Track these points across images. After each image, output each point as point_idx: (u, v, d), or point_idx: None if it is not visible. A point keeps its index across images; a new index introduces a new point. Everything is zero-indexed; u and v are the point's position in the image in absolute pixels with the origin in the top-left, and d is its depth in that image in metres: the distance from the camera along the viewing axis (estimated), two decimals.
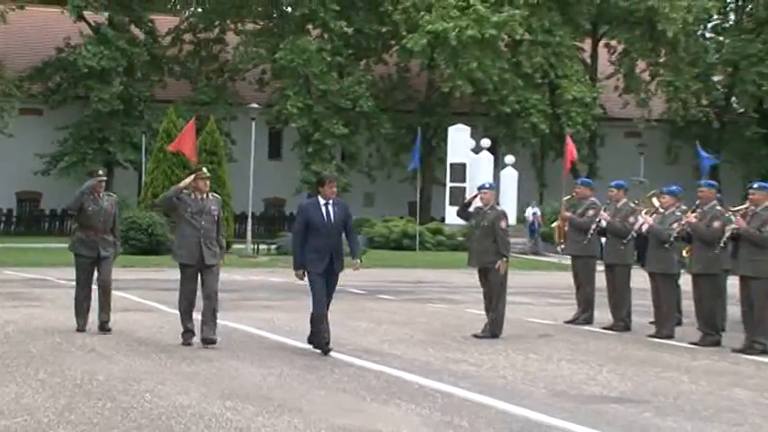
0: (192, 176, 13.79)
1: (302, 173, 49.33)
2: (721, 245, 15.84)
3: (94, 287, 15.21)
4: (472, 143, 45.81)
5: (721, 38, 58.49)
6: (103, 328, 14.79)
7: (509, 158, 44.97)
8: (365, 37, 51.67)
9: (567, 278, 19.83)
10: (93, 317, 15.21)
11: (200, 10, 53.81)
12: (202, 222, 13.53)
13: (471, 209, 16.99)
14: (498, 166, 43.22)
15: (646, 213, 17.69)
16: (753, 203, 15.74)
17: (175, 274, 15.26)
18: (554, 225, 21.10)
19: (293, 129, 50.32)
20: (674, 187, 18.00)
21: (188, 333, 13.91)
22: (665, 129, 57.17)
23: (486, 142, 45.67)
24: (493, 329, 15.94)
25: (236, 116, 49.08)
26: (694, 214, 16.36)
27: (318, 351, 13.34)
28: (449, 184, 46.17)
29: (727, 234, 15.70)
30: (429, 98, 53.49)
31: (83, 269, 14.84)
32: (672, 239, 16.74)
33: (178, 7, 54.99)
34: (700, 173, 38.84)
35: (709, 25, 58.60)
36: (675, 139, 56.50)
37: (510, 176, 43.69)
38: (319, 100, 48.71)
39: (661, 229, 16.93)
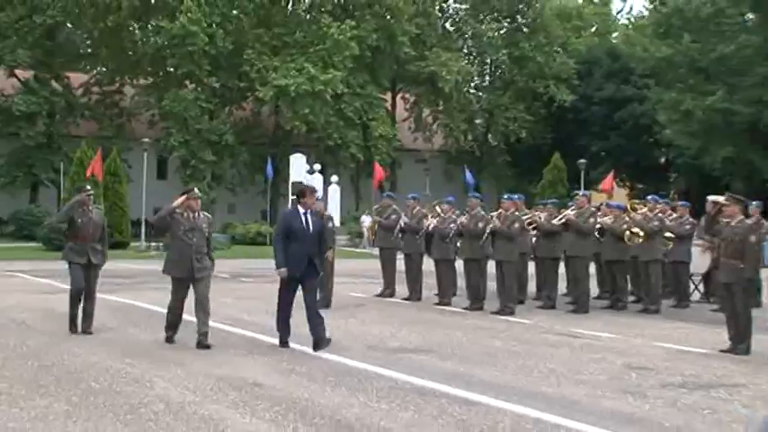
0: (184, 197, 11.93)
1: (181, 189, 48.83)
2: (484, 238, 16.28)
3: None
4: (307, 167, 45.87)
5: (481, 93, 59.58)
6: (86, 331, 12.62)
7: (334, 178, 45.02)
8: (228, 89, 51.42)
9: (377, 264, 20.08)
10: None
11: (104, 69, 52.73)
12: (194, 239, 11.67)
13: None
14: (326, 183, 43.18)
15: (432, 217, 18.12)
16: (504, 209, 16.29)
17: None
18: (368, 226, 21.35)
19: (176, 157, 49.80)
20: (450, 198, 18.53)
21: (170, 335, 11.96)
22: (444, 157, 58.09)
23: (317, 166, 45.72)
24: (325, 301, 16.09)
25: (131, 147, 48.12)
26: (465, 217, 16.82)
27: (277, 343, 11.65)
28: (290, 197, 46.24)
29: (488, 231, 16.16)
30: (276, 134, 53.42)
31: (76, 274, 12.70)
32: (450, 236, 17.18)
33: (88, 67, 53.78)
34: (467, 188, 39.57)
35: (473, 84, 59.53)
36: (450, 164, 57.29)
37: (335, 191, 43.73)
38: (195, 136, 48.23)
39: (442, 228, 17.36)
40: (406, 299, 18.06)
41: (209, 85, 49.16)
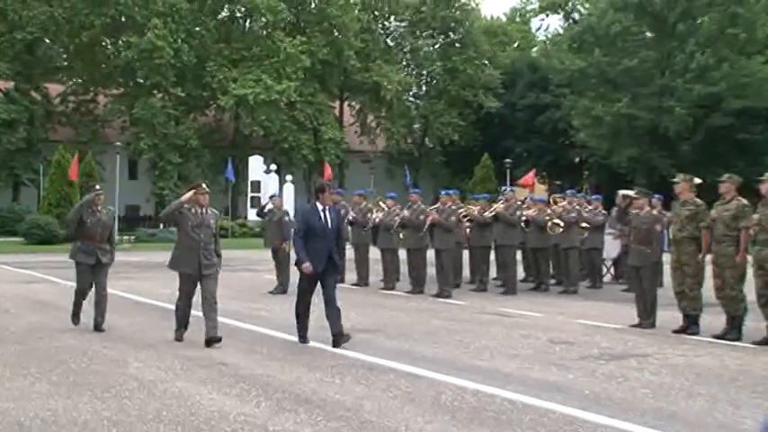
0: (192, 191, 10.55)
1: (151, 188, 48.73)
2: (425, 229, 16.25)
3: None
4: (264, 167, 45.72)
5: (418, 101, 59.65)
6: (98, 328, 11.29)
7: (288, 177, 44.72)
8: (193, 98, 50.99)
9: None
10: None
11: (80, 80, 51.98)
12: (201, 235, 10.33)
13: (266, 210, 17.24)
14: (281, 182, 42.95)
15: (377, 211, 18.08)
16: (442, 203, 16.30)
17: (62, 256, 14.74)
18: None
19: (145, 159, 49.33)
20: (392, 194, 18.46)
21: (180, 330, 10.65)
22: (386, 157, 58.17)
23: (273, 167, 45.72)
24: (282, 287, 15.97)
25: (105, 151, 47.49)
26: (408, 211, 16.79)
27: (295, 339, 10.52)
28: (249, 195, 46.05)
29: (428, 223, 16.15)
30: (236, 138, 53.04)
31: (83, 274, 11.41)
32: (394, 227, 17.14)
33: (64, 78, 53.05)
34: (407, 185, 39.63)
35: (411, 93, 59.55)
36: (392, 164, 57.38)
37: (289, 189, 43.45)
38: (162, 140, 47.80)
39: (387, 221, 17.32)
40: (354, 284, 17.99)
41: (175, 94, 48.81)
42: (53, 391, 7.70)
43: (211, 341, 10.06)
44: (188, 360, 9.23)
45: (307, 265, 10.14)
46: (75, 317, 11.61)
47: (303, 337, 10.42)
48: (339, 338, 10.05)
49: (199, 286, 10.54)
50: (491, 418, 6.78)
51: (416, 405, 7.26)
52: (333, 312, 10.17)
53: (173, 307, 13.63)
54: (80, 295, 11.60)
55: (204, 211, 10.51)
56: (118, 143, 44.79)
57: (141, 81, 49.34)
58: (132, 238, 39.12)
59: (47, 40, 51.95)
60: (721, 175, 11.56)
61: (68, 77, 53.41)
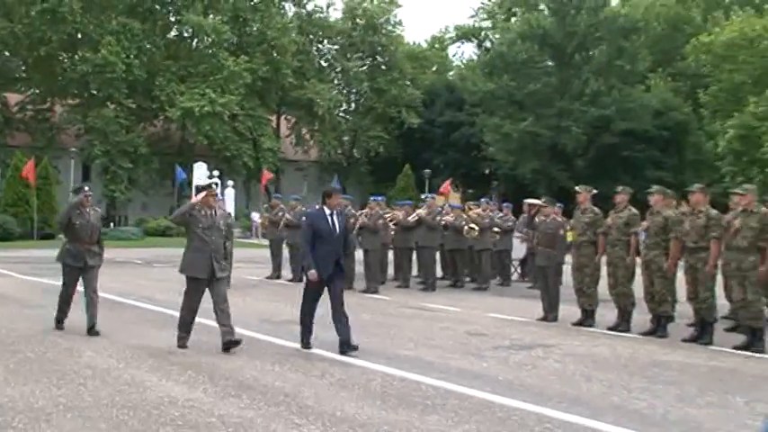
0: (204, 193, 9.31)
1: (103, 190, 47.60)
2: (354, 232, 16.13)
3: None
4: (208, 173, 45.06)
5: (348, 116, 59.49)
6: (91, 331, 9.88)
7: (230, 182, 43.97)
8: (143, 109, 49.88)
9: (266, 252, 19.80)
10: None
11: (37, 90, 50.57)
12: (213, 237, 9.05)
13: None
14: (223, 186, 42.28)
15: None
16: (370, 209, 16.25)
17: (18, 252, 14.30)
18: (259, 221, 21.02)
19: (98, 164, 48.15)
20: (349, 196, 18.34)
21: (184, 338, 9.26)
22: (318, 166, 57.92)
23: (216, 173, 45.03)
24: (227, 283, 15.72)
25: (60, 156, 46.26)
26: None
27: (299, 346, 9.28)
28: (193, 196, 45.25)
29: (357, 226, 16.03)
30: (182, 146, 52.13)
31: (70, 276, 10.17)
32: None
33: (23, 88, 51.56)
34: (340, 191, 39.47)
35: (341, 109, 59.30)
36: (323, 172, 57.04)
37: (230, 194, 42.77)
38: (114, 147, 46.74)
39: None
40: (290, 281, 17.80)
41: (127, 105, 47.70)
42: (10, 378, 7.43)
43: (229, 345, 8.87)
44: (138, 349, 9.00)
45: (312, 273, 8.96)
46: (60, 322, 10.27)
47: (306, 343, 9.29)
48: (346, 347, 8.94)
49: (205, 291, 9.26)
50: (418, 403, 6.74)
51: (349, 391, 7.19)
52: (341, 319, 9.07)
53: (121, 300, 13.25)
54: (65, 299, 10.24)
55: (214, 212, 9.25)
56: (73, 149, 43.85)
57: (95, 93, 48.22)
58: None
59: (6, 53, 50.44)
60: (610, 186, 11.80)
61: (27, 88, 51.92)
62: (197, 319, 9.34)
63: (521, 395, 7.04)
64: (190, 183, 46.11)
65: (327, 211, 9.16)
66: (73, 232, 10.02)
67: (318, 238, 9.01)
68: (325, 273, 8.96)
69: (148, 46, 49.12)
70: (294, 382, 7.57)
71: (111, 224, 44.22)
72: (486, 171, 55.22)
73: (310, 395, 7.02)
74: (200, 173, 45.53)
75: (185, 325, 9.25)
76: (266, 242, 20.42)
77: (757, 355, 9.53)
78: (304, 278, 9.31)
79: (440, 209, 17.85)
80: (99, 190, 48.77)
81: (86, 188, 10.58)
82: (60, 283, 10.44)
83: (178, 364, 8.24)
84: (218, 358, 8.54)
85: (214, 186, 9.59)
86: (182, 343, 9.20)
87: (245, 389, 7.21)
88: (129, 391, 7.07)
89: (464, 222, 16.97)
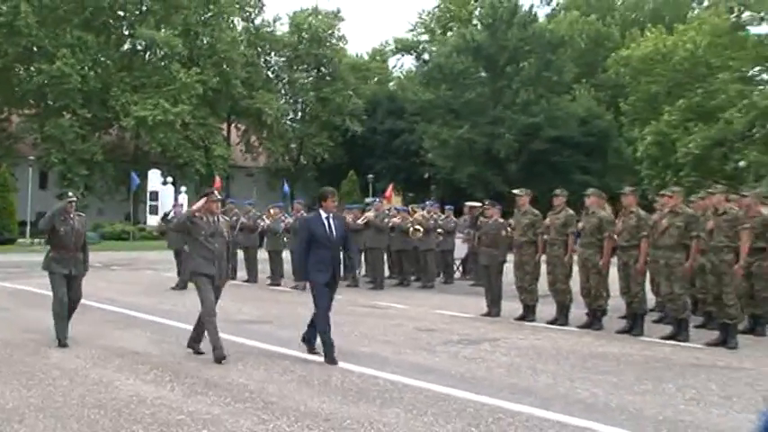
0: (204, 199, 8.48)
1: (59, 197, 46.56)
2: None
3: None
4: (162, 180, 44.42)
5: (295, 124, 59.05)
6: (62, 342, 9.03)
7: (183, 188, 43.53)
8: (98, 119, 48.68)
9: None
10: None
11: None
12: (216, 245, 8.31)
13: (169, 217, 16.64)
14: (177, 193, 41.67)
15: (266, 218, 17.81)
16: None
17: None
18: None
19: (55, 171, 46.93)
20: (280, 204, 18.27)
21: (197, 345, 8.55)
22: (267, 172, 57.33)
23: (169, 179, 44.39)
24: (183, 284, 15.44)
25: (18, 163, 45.02)
26: (292, 218, 16.55)
27: (315, 355, 8.43)
28: (149, 203, 44.63)
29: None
30: (136, 154, 51.11)
31: (58, 284, 9.08)
32: (280, 232, 16.89)
33: None
34: (284, 196, 39.29)
35: (289, 118, 58.85)
36: (272, 178, 56.52)
37: (183, 199, 42.37)
38: (71, 155, 45.58)
39: (274, 226, 17.05)
40: (245, 281, 17.61)
41: (83, 115, 46.56)
42: None
43: (220, 358, 8.06)
44: (104, 350, 8.78)
45: (300, 284, 8.48)
46: (63, 339, 9.07)
47: (311, 347, 8.60)
48: (309, 344, 8.58)
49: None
50: (376, 397, 6.70)
51: (311, 387, 7.10)
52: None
53: (84, 302, 12.78)
54: (59, 307, 9.10)
55: (216, 219, 8.50)
56: (30, 157, 42.65)
57: (51, 103, 47.03)
58: (42, 240, 37.47)
59: None
60: (541, 189, 11.96)
61: None
62: (153, 318, 9.14)
63: (473, 387, 7.03)
64: (144, 189, 45.65)
65: (324, 215, 8.39)
66: (57, 239, 9.11)
67: (314, 243, 8.23)
68: (322, 279, 8.20)
69: (103, 58, 48.15)
70: (258, 378, 7.45)
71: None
72: (426, 175, 55.40)
73: (274, 391, 6.93)
74: (155, 179, 44.92)
75: (199, 330, 8.48)
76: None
77: (683, 344, 9.72)
78: (306, 286, 8.55)
79: (387, 211, 17.82)
80: (56, 196, 47.74)
81: (70, 194, 9.78)
82: (47, 292, 9.67)
83: (144, 363, 8.06)
84: (183, 357, 8.36)
85: (216, 193, 8.74)
86: (195, 348, 8.52)
87: (211, 386, 7.08)
88: (98, 390, 6.89)
89: (410, 224, 16.99)
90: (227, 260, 8.54)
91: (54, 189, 47.50)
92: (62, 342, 9.01)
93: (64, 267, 9.06)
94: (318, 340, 8.45)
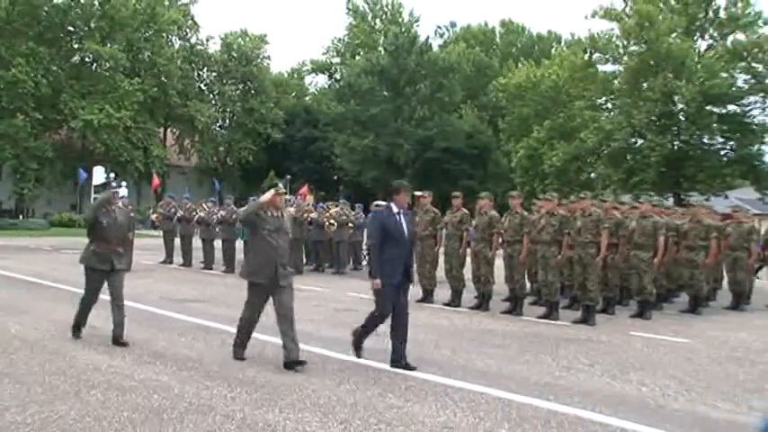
0: (272, 192, 6.80)
1: (12, 188, 43.94)
2: (237, 225, 15.57)
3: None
4: (105, 175, 42.55)
5: (223, 130, 57.50)
6: (118, 341, 7.24)
7: (123, 183, 41.74)
8: (49, 120, 46.03)
9: (160, 241, 18.78)
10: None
11: None
12: (279, 241, 6.64)
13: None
14: (119, 186, 40.00)
15: (200, 211, 17.26)
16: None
17: None
18: (154, 216, 19.99)
19: (8, 165, 44.31)
20: (212, 199, 17.74)
21: (240, 348, 6.92)
22: (198, 171, 55.79)
23: (112, 175, 42.45)
24: (127, 267, 14.75)
25: None
26: (223, 210, 16.08)
27: (352, 353, 7.06)
28: (93, 195, 42.72)
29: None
30: (83, 152, 48.79)
31: (94, 281, 7.41)
32: (213, 222, 16.36)
33: None
34: (214, 192, 38.30)
35: (218, 124, 57.06)
36: (203, 176, 54.96)
37: (124, 192, 40.73)
38: (23, 151, 43.07)
39: (207, 218, 16.51)
40: (182, 265, 17.08)
41: (35, 116, 44.21)
42: None
43: (292, 364, 6.45)
44: (59, 323, 8.29)
45: (377, 282, 6.58)
46: (78, 329, 7.60)
47: (404, 364, 6.65)
48: (398, 364, 6.61)
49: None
50: (306, 368, 6.56)
51: (248, 359, 6.90)
52: (401, 329, 6.72)
53: (39, 281, 12.18)
54: (87, 304, 7.54)
55: (281, 214, 6.83)
56: None
57: (5, 106, 44.42)
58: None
59: None
60: (433, 192, 12.10)
61: None
62: (105, 297, 8.49)
63: (386, 359, 6.97)
64: (90, 182, 43.73)
65: (395, 210, 6.69)
66: (100, 232, 7.44)
67: (389, 241, 6.56)
68: (394, 280, 6.54)
69: (54, 68, 45.72)
70: (198, 350, 7.22)
71: (21, 216, 41.02)
72: (336, 177, 55.22)
73: (214, 361, 6.71)
74: (99, 174, 43.01)
75: (243, 335, 6.91)
76: (160, 233, 19.43)
77: (555, 322, 9.97)
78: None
79: (307, 207, 17.63)
80: (9, 188, 45.16)
81: (114, 183, 8.05)
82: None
83: (97, 336, 7.65)
84: (132, 330, 7.96)
85: (281, 186, 7.22)
86: (237, 354, 6.84)
87: (158, 356, 6.80)
88: (56, 359, 6.53)
89: (325, 219, 16.84)
90: (287, 257, 6.84)
91: (7, 181, 45.06)
92: (76, 335, 7.57)
93: (104, 263, 7.36)
94: (365, 343, 7.02)
